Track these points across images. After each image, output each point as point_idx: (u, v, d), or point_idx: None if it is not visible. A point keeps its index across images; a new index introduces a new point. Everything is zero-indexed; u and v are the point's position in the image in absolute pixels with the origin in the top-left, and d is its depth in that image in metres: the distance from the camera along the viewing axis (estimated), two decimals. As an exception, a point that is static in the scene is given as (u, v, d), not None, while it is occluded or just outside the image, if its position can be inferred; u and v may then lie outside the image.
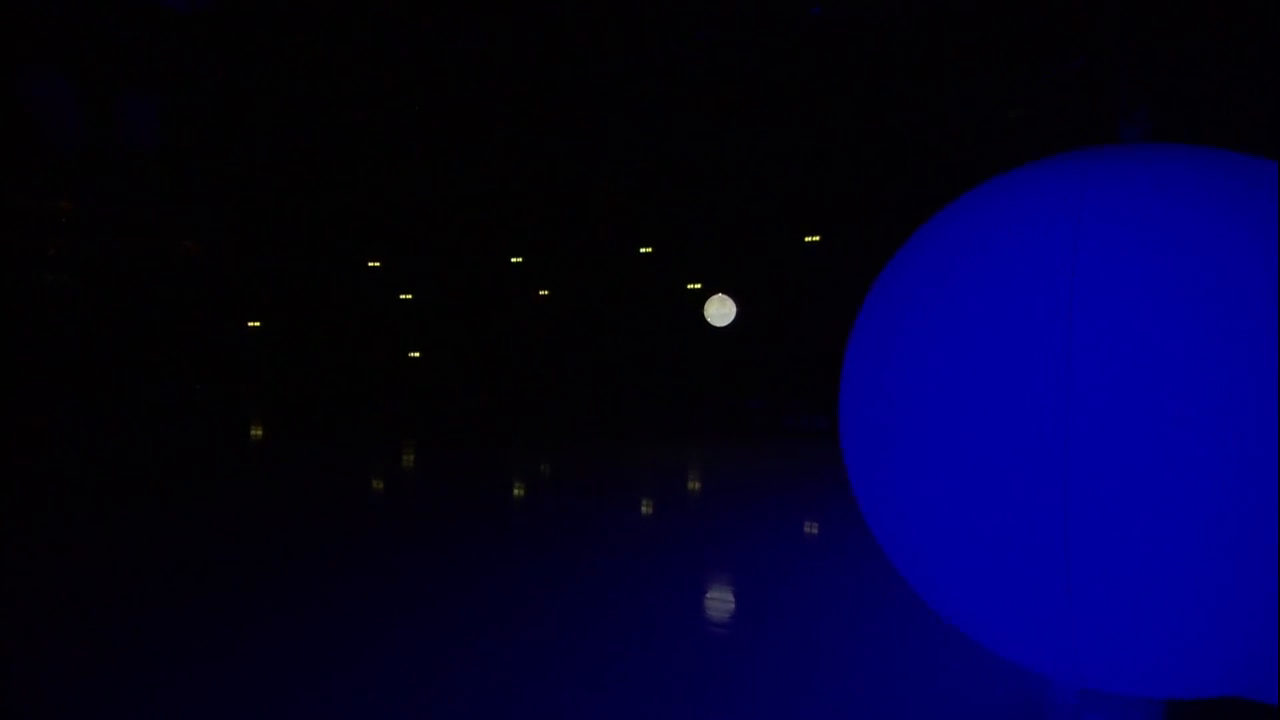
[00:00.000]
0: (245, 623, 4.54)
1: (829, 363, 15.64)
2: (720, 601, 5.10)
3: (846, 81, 15.22)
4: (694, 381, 17.17)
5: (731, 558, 6.03)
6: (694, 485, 9.56)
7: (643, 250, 18.88)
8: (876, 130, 16.20)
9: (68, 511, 7.80)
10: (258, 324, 22.82)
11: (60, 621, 4.56)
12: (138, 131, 13.77)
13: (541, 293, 19.88)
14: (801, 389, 15.73)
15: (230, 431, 15.75)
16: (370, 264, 21.95)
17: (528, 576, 5.44)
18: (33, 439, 13.36)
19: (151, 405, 19.59)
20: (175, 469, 10.58)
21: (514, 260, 20.29)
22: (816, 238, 16.95)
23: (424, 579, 5.32)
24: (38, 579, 5.55)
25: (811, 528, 7.18)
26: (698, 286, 18.20)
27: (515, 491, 9.41)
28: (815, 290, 16.35)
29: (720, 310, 16.63)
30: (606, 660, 4.01)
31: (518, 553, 6.23)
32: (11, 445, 12.38)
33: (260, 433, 16.11)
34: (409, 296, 21.55)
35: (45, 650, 4.12)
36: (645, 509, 8.12)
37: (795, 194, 16.86)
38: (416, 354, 21.17)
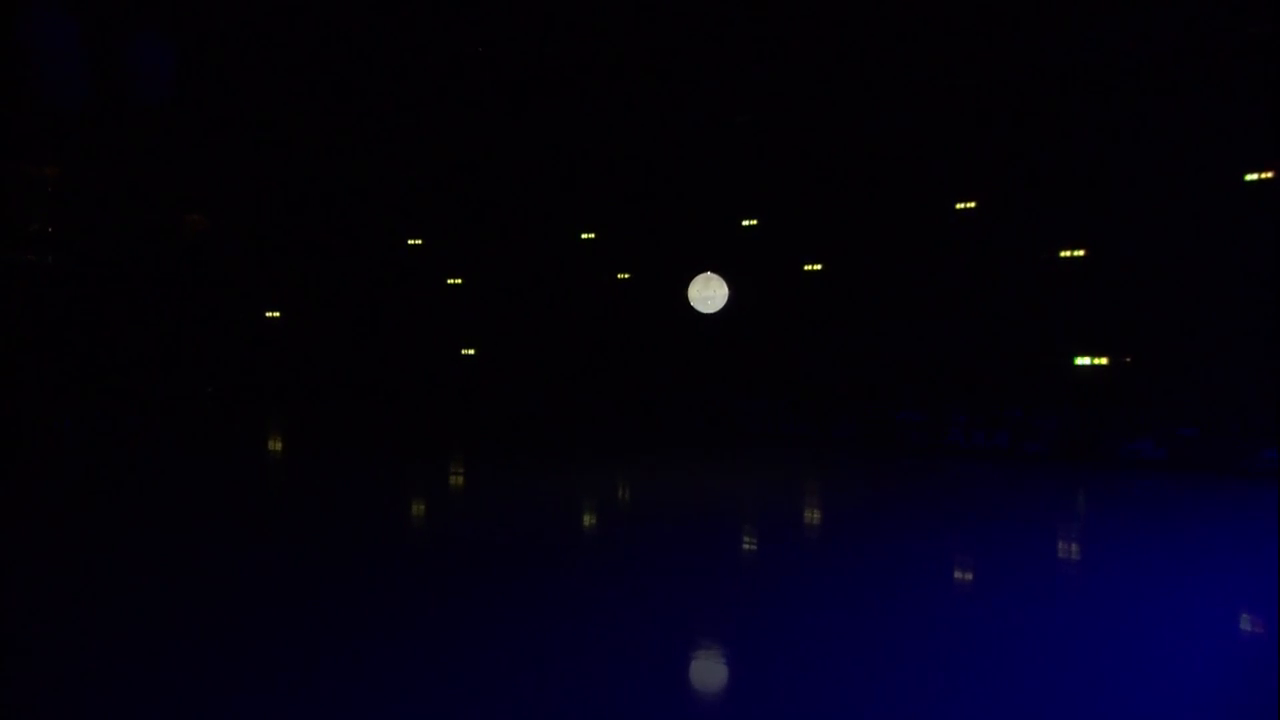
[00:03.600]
0: (260, 648, 4.73)
1: (1005, 361, 14.21)
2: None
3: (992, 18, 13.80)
4: (825, 386, 15.85)
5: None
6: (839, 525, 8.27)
7: (745, 223, 17.67)
8: (1038, 74, 14.71)
9: (64, 526, 7.82)
10: (277, 314, 22.08)
11: (64, 642, 4.83)
12: (149, 82, 12.86)
13: (620, 276, 18.77)
14: (969, 397, 14.32)
15: (247, 438, 15.35)
16: (410, 242, 21.01)
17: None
18: (18, 448, 12.93)
19: (155, 408, 19.01)
20: (184, 480, 10.37)
21: (585, 236, 19.22)
22: (971, 204, 15.51)
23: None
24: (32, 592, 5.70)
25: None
26: (818, 268, 16.93)
27: (586, 520, 8.48)
28: (975, 271, 14.96)
29: (704, 292, 15.42)
30: None
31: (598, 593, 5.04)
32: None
33: (281, 441, 15.59)
34: (458, 281, 20.56)
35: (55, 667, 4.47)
36: (750, 545, 6.89)
37: (939, 149, 15.41)
38: (470, 350, 20.26)
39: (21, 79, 11.63)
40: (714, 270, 17.06)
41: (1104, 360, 13.59)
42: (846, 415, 15.15)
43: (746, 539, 8.19)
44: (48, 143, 19.32)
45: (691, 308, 17.15)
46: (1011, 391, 14.02)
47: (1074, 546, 8.27)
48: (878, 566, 6.87)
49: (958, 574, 6.95)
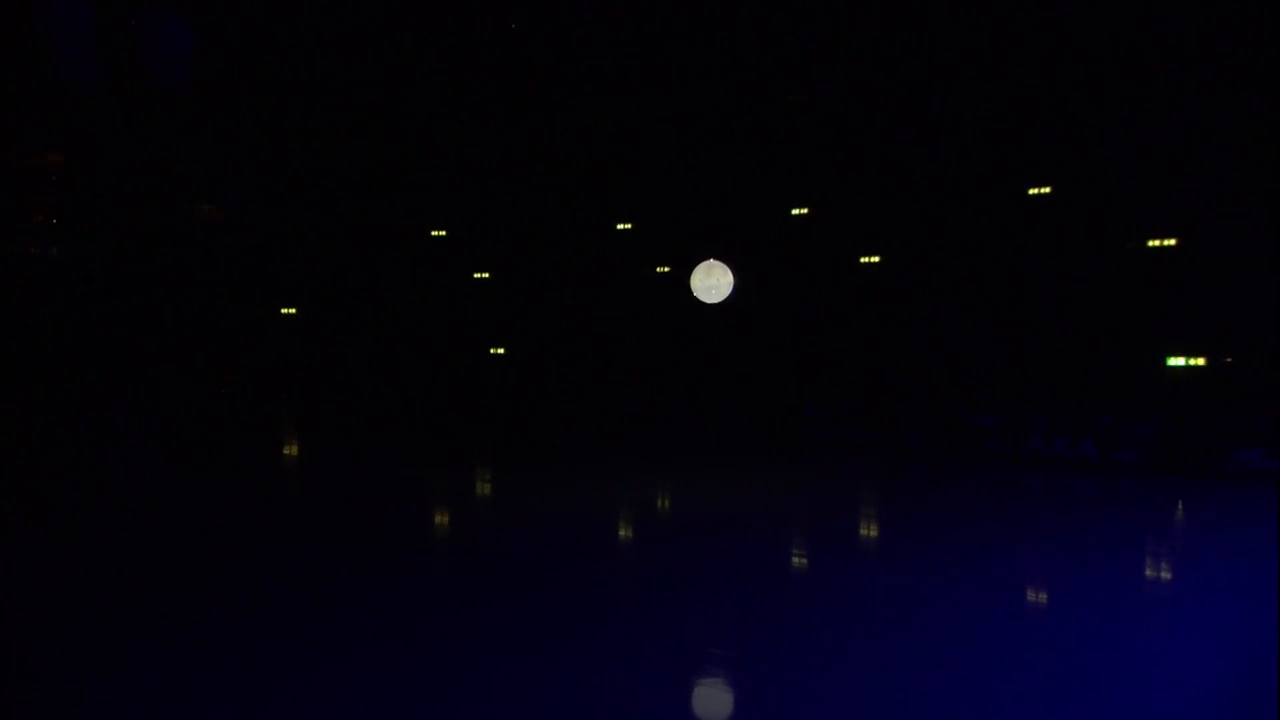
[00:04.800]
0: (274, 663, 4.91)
1: (1088, 361, 13.49)
2: None
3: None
4: (891, 389, 15.25)
5: None
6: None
7: (795, 212, 17.10)
8: (1120, 43, 13.99)
9: (72, 538, 7.81)
10: (293, 310, 21.83)
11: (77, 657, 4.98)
12: (161, 64, 12.43)
13: (660, 269, 18.24)
14: (1048, 400, 13.68)
15: (261, 440, 15.30)
16: (435, 233, 20.64)
17: None
18: (21, 455, 12.87)
19: (164, 411, 18.86)
20: (197, 490, 10.36)
21: (621, 227, 18.68)
22: (1046, 189, 14.85)
23: None
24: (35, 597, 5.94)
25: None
26: (875, 260, 16.33)
27: (621, 534, 7.91)
28: (1052, 262, 14.31)
29: (706, 282, 15.18)
30: None
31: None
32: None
33: (297, 448, 15.41)
34: (485, 276, 20.15)
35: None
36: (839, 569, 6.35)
37: (1009, 129, 14.74)
38: (499, 350, 19.89)
39: (26, 58, 11.18)
40: (765, 263, 16.51)
41: (1201, 361, 12.88)
42: (915, 420, 14.55)
43: (830, 562, 7.83)
44: (51, 127, 19.01)
45: (723, 301, 16.67)
46: (1096, 395, 13.36)
47: (1197, 571, 7.84)
48: (994, 602, 6.44)
49: (1072, 605, 6.57)
